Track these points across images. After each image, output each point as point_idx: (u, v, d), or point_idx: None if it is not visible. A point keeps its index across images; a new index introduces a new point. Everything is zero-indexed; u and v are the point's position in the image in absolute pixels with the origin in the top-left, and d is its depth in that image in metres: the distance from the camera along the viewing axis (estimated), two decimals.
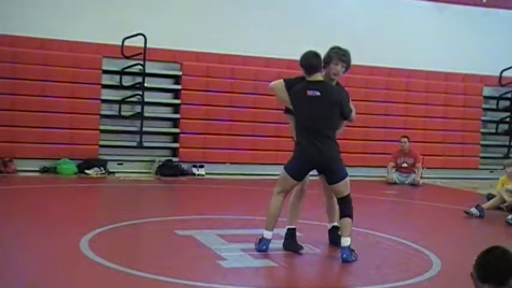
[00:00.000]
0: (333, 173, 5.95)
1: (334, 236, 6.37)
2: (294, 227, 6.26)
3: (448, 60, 14.58)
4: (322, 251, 6.28)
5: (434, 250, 6.47)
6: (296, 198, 6.30)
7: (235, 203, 9.70)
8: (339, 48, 6.13)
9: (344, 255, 5.84)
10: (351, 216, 5.94)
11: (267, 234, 6.02)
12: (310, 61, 5.95)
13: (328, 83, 6.04)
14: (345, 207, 5.95)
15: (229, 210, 8.65)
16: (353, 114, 6.20)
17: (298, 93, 5.96)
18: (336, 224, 6.39)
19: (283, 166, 6.07)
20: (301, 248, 6.16)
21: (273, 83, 6.19)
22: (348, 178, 6.02)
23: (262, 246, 5.99)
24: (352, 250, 5.92)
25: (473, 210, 8.97)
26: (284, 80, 6.12)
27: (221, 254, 5.88)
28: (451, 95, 14.90)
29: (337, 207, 6.25)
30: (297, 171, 5.97)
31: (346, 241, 5.87)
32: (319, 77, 5.98)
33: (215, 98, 12.86)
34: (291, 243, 6.19)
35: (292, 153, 6.10)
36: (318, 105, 5.87)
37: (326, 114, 5.92)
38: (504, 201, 9.38)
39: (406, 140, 12.98)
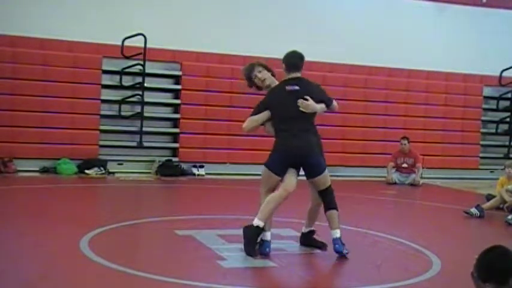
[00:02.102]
0: (313, 167, 5.97)
1: (309, 239, 6.40)
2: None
3: (448, 60, 14.59)
4: (322, 251, 6.27)
5: (434, 250, 6.47)
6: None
7: (235, 203, 9.69)
8: (246, 69, 6.59)
9: (337, 246, 5.92)
10: (336, 208, 6.02)
11: (266, 235, 5.99)
12: (293, 60, 6.15)
13: (305, 78, 6.16)
14: (330, 199, 6.01)
15: (229, 210, 8.65)
16: (335, 102, 6.24)
17: (276, 91, 6.11)
18: (313, 228, 6.41)
19: (264, 164, 6.05)
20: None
21: (243, 126, 6.23)
22: (327, 171, 6.08)
23: (265, 249, 5.94)
24: (343, 244, 5.97)
25: (473, 210, 8.97)
26: (253, 115, 6.19)
27: (221, 254, 5.88)
28: (451, 95, 14.91)
29: (319, 213, 6.31)
30: (278, 166, 5.95)
31: (336, 233, 5.97)
32: (298, 74, 6.11)
33: (215, 98, 12.87)
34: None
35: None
36: (297, 99, 5.95)
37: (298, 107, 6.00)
38: (504, 201, 9.38)
39: (406, 141, 12.98)
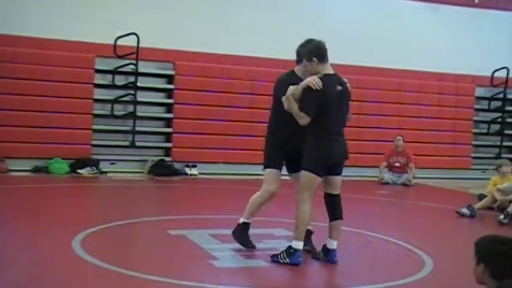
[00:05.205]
0: (341, 166, 5.91)
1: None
2: (249, 221, 6.17)
3: (440, 61, 14.62)
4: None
5: (427, 250, 6.49)
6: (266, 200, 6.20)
7: (228, 202, 9.69)
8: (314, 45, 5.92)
9: (336, 258, 5.85)
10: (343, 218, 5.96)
11: (299, 245, 5.74)
12: (323, 50, 5.74)
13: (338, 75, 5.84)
14: (340, 206, 5.92)
15: (222, 210, 8.64)
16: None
17: (330, 90, 5.61)
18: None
19: (305, 169, 5.67)
20: (254, 246, 6.10)
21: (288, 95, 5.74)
22: None
23: (298, 259, 5.70)
24: None
25: (465, 210, 9.01)
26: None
27: (213, 254, 5.88)
28: (443, 96, 14.95)
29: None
30: (323, 168, 5.71)
31: (335, 244, 5.87)
32: (330, 65, 5.80)
33: (208, 97, 12.85)
34: (242, 236, 6.12)
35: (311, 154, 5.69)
36: (343, 100, 5.77)
37: (346, 109, 5.87)
38: (495, 201, 9.41)
39: (401, 138, 13.03)
